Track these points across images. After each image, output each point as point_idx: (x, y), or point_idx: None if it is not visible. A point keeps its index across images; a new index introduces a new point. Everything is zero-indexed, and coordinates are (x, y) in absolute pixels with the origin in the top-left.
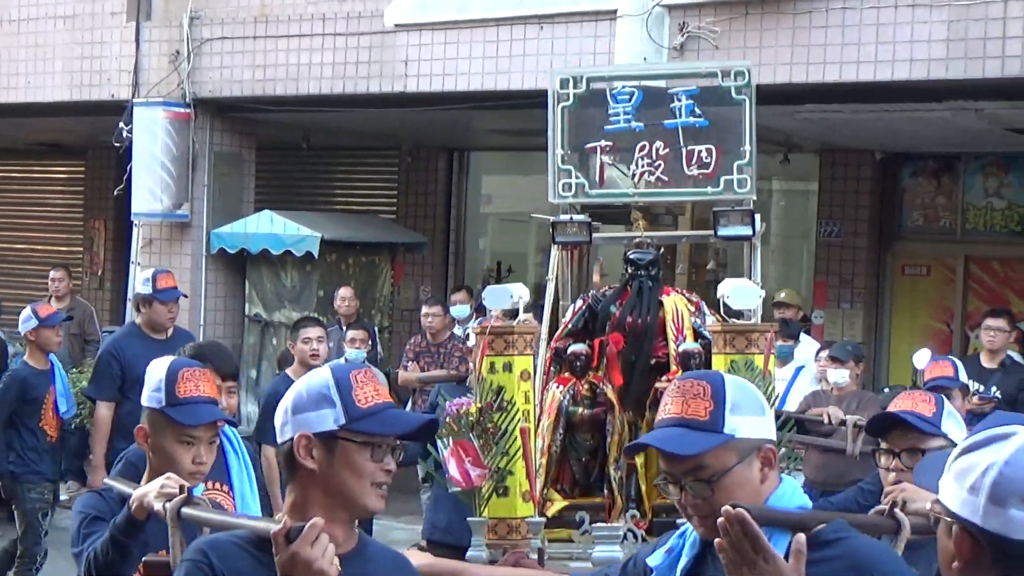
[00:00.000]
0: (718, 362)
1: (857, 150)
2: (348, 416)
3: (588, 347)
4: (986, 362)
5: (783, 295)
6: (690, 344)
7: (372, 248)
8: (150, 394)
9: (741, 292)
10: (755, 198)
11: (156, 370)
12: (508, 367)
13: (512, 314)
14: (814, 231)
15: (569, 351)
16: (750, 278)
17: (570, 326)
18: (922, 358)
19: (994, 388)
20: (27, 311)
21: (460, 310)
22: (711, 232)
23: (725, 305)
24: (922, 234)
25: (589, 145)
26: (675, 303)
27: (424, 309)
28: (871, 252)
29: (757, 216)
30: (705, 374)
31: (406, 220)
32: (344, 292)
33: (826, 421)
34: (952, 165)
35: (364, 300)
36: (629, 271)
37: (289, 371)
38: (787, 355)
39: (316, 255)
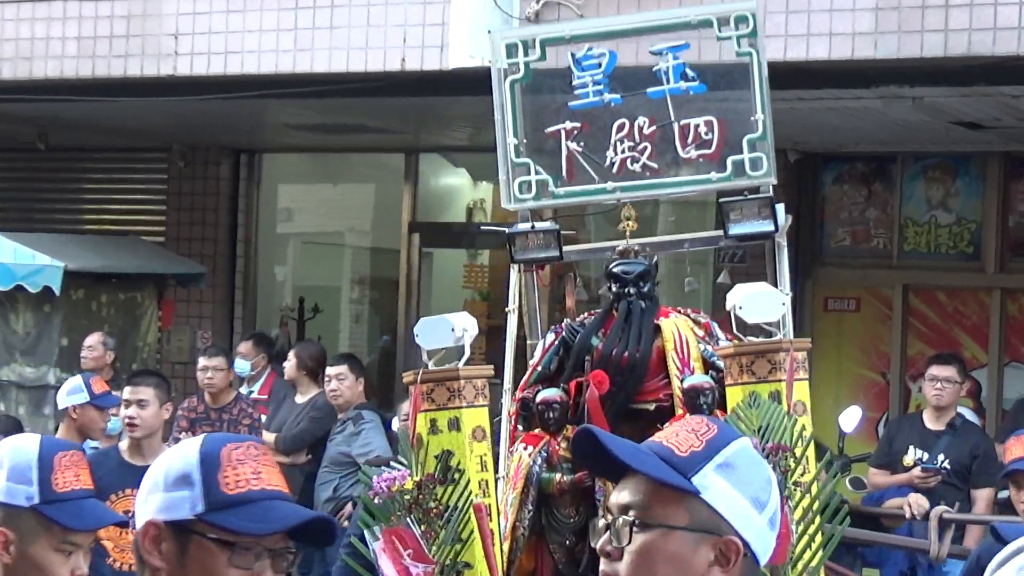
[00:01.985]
0: (733, 396)
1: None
2: (208, 503)
3: (563, 392)
4: (931, 422)
5: None
6: (698, 377)
7: (133, 281)
8: (11, 487)
9: (758, 301)
10: (775, 182)
11: (19, 453)
12: (455, 424)
13: (454, 355)
14: (711, 254)
15: (538, 399)
16: (781, 286)
17: (539, 369)
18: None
19: (941, 456)
20: (77, 380)
21: (241, 366)
22: (720, 232)
23: (738, 319)
24: (849, 257)
25: (550, 129)
26: (676, 327)
27: (202, 361)
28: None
29: (780, 207)
30: (723, 423)
31: (178, 244)
32: (92, 340)
33: (908, 515)
34: (886, 169)
35: (122, 350)
36: (614, 289)
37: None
38: None
39: (58, 291)
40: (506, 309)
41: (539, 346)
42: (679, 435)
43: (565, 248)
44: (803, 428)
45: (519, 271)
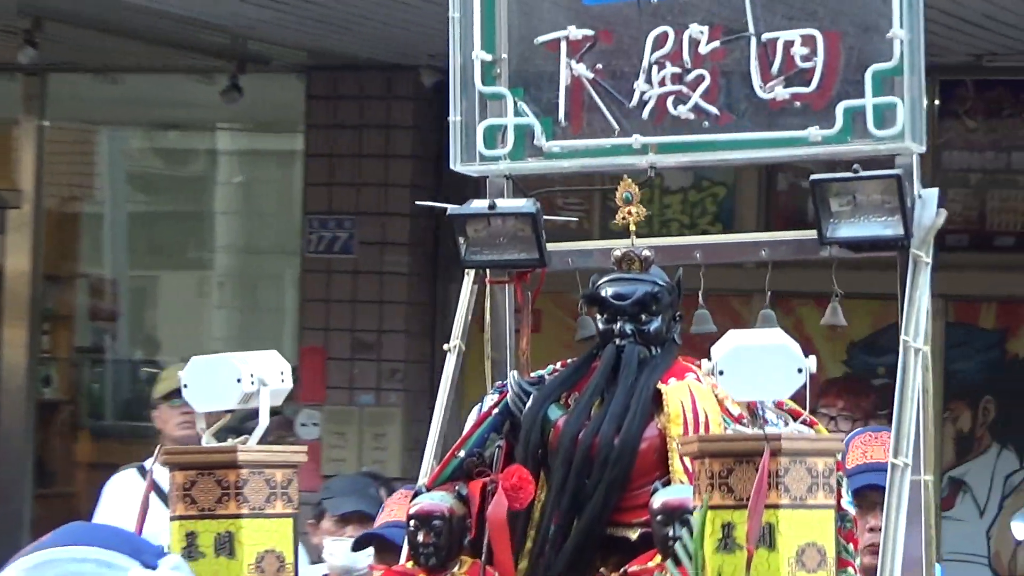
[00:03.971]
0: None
1: (387, 66)
2: None
3: (456, 500)
4: None
5: None
6: (674, 492)
7: None
8: None
9: (753, 361)
10: (921, 150)
11: None
12: (225, 544)
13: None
14: (299, 239)
15: (410, 512)
16: (911, 329)
17: (460, 454)
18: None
19: None
20: None
21: None
22: (812, 233)
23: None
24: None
25: (544, 38)
26: (691, 395)
27: None
28: (421, 283)
29: (930, 193)
30: None
31: None
32: None
33: None
34: None
35: None
36: (600, 324)
37: None
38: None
39: None
40: (445, 346)
41: (472, 414)
42: None
43: (553, 246)
44: None
45: (475, 281)
